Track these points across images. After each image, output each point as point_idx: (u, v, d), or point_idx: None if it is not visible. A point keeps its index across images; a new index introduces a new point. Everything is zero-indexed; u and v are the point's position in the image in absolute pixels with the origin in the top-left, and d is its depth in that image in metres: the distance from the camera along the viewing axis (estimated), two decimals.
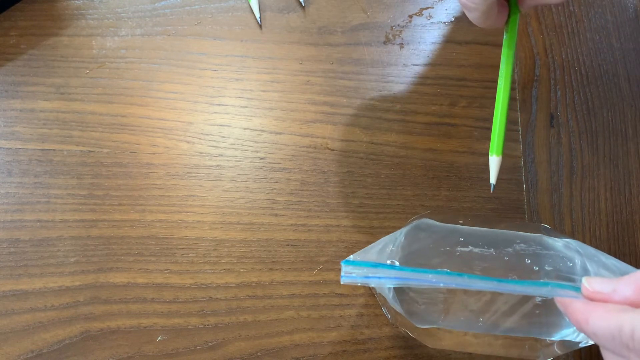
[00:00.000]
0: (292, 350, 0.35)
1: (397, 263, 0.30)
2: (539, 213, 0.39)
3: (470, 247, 0.31)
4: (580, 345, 0.31)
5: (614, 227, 0.39)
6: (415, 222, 0.33)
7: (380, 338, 0.36)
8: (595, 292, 0.24)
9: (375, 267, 0.27)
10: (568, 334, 0.31)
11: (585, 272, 0.29)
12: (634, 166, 0.40)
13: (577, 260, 0.30)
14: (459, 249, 0.31)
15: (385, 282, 0.28)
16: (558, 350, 0.32)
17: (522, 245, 0.31)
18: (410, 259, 0.31)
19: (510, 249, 0.31)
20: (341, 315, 0.36)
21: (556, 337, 0.31)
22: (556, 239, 0.32)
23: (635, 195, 0.39)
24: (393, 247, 0.31)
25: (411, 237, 0.32)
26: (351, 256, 0.33)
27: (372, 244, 0.33)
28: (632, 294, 0.23)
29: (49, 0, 0.42)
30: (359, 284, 0.34)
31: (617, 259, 0.29)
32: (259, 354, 0.35)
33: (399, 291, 0.31)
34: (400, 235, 0.32)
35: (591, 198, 0.39)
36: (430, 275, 0.26)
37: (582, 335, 0.30)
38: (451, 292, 0.31)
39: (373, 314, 0.36)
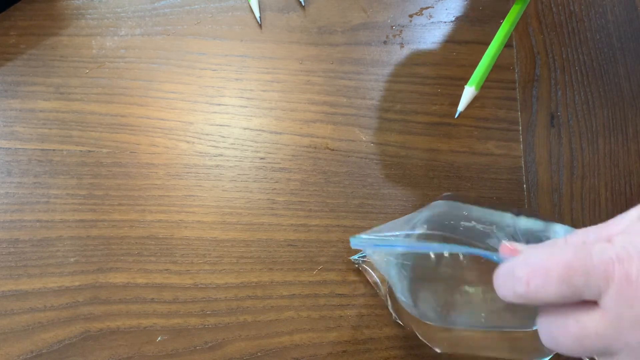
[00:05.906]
0: (292, 350, 0.35)
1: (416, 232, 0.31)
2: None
3: (474, 223, 0.32)
4: None
5: None
6: (435, 202, 0.33)
7: (380, 338, 0.36)
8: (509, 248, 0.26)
9: (383, 239, 0.29)
10: None
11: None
12: (634, 166, 0.40)
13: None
14: (462, 223, 0.32)
15: (393, 250, 0.29)
16: None
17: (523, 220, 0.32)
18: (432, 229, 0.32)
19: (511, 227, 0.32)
20: (341, 316, 0.36)
21: None
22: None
23: (636, 195, 0.39)
24: (413, 223, 0.32)
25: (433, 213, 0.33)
26: (361, 234, 0.33)
27: (384, 225, 0.34)
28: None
29: (48, 0, 0.42)
30: (370, 253, 0.35)
31: None
32: (259, 354, 0.35)
33: (408, 284, 0.32)
34: (423, 211, 0.32)
35: (592, 198, 0.39)
36: (435, 245, 0.28)
37: None
38: (455, 280, 0.31)
39: (373, 314, 0.36)
